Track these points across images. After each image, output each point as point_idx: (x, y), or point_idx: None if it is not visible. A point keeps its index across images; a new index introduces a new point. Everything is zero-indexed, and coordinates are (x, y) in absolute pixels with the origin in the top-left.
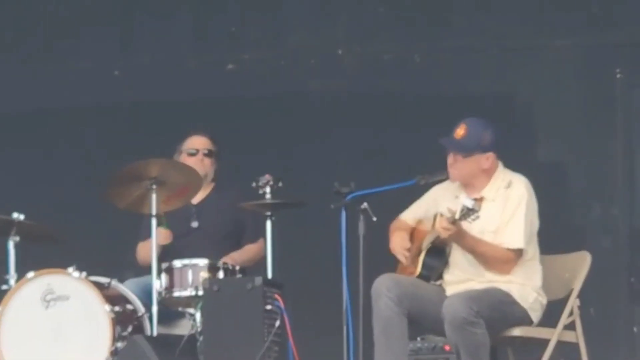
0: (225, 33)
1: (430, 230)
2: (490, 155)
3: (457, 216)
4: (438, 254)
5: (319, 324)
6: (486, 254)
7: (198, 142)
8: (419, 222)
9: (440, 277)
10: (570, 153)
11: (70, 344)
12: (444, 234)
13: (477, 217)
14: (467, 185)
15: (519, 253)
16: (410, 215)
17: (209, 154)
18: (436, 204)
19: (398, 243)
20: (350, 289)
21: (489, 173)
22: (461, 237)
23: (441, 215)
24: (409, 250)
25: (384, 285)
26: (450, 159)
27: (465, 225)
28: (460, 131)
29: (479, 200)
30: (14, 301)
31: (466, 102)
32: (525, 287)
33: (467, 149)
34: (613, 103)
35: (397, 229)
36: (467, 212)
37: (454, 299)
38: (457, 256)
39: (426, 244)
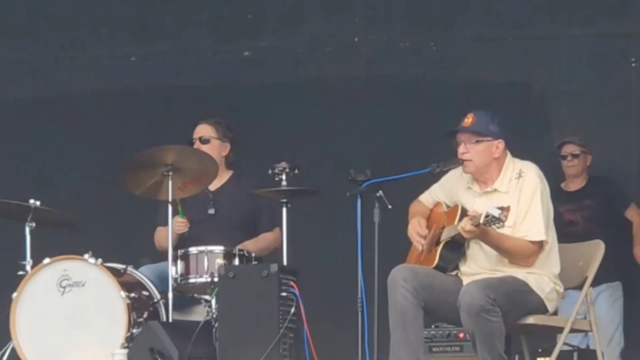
0: (242, 20)
1: (452, 226)
2: (501, 142)
3: (480, 221)
4: (456, 247)
5: (334, 311)
6: (510, 249)
7: (197, 130)
8: (437, 205)
9: (456, 267)
10: (585, 142)
11: (86, 330)
12: (466, 236)
13: (502, 226)
14: (479, 177)
15: (541, 245)
16: (429, 198)
17: (205, 140)
18: (452, 192)
19: (415, 229)
20: (365, 277)
21: (499, 164)
22: (484, 236)
23: (466, 215)
24: (424, 237)
25: (400, 276)
26: (461, 149)
27: None
28: (467, 120)
29: (506, 209)
30: (30, 287)
31: (482, 90)
32: (543, 276)
33: (478, 133)
34: (628, 92)
35: (415, 213)
36: (492, 220)
37: (470, 286)
38: (475, 249)
39: (445, 237)
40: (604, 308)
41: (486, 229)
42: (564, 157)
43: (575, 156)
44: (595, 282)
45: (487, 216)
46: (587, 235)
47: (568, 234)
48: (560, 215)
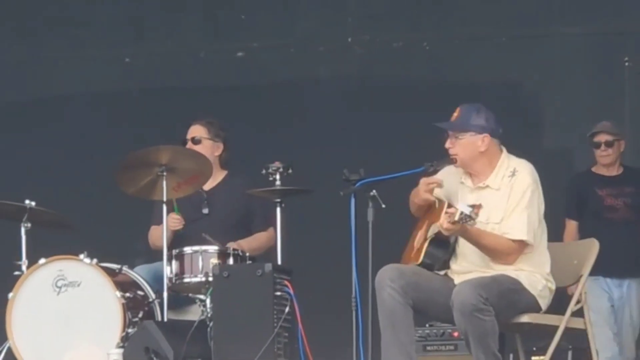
0: (235, 21)
1: (436, 223)
2: (486, 137)
3: (456, 218)
4: (442, 244)
5: (328, 310)
6: (489, 245)
7: (190, 131)
8: (431, 203)
9: (444, 266)
10: (578, 140)
11: (81, 330)
12: (446, 233)
13: (474, 224)
14: (470, 172)
15: (522, 244)
16: None
17: (197, 141)
18: (446, 188)
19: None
20: (359, 276)
21: (489, 158)
22: (464, 232)
23: (445, 212)
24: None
25: (387, 276)
26: (447, 143)
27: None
28: (454, 115)
29: (477, 207)
30: (25, 287)
31: (475, 90)
32: (534, 274)
33: (460, 127)
34: (621, 91)
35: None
36: (465, 218)
37: (463, 286)
38: (464, 247)
39: (430, 233)
40: (635, 304)
41: (465, 226)
42: (597, 146)
43: (609, 145)
44: (625, 275)
45: (461, 214)
46: (625, 223)
47: (607, 219)
48: (600, 199)
